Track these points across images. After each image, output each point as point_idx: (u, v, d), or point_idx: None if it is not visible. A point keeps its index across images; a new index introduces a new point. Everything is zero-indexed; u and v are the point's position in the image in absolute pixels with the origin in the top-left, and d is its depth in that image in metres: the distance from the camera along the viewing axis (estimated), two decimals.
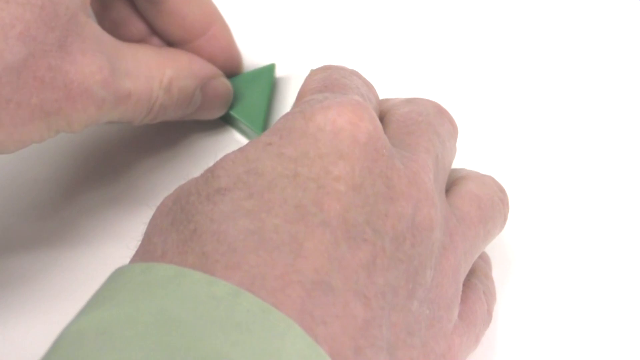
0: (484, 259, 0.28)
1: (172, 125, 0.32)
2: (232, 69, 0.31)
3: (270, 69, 0.33)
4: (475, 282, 0.26)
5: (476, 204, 0.25)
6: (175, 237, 0.19)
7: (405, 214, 0.21)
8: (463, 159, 0.32)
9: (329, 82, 0.24)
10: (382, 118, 0.26)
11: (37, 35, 0.22)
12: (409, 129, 0.24)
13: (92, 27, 0.25)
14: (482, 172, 0.31)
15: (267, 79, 0.33)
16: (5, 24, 0.22)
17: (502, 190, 0.26)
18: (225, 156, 0.21)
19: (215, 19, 0.29)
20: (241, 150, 0.21)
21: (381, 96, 0.27)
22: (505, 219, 0.27)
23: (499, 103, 0.34)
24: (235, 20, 0.33)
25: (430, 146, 0.24)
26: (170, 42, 0.30)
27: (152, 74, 0.27)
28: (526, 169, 0.32)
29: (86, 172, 0.31)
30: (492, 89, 0.35)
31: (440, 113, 0.26)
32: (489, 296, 0.26)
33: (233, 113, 0.32)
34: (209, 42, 0.29)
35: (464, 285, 0.25)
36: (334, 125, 0.21)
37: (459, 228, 0.23)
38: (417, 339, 0.21)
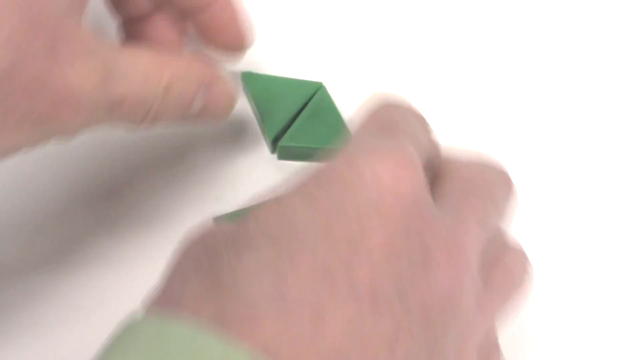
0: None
1: (176, 140, 0.32)
2: (241, 42, 0.30)
3: (317, 86, 0.33)
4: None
5: (509, 281, 0.24)
6: (196, 289, 0.19)
7: (439, 287, 0.20)
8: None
9: (386, 124, 0.23)
10: (440, 167, 0.25)
11: (23, 41, 0.21)
12: (467, 193, 0.23)
13: (85, 32, 0.24)
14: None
15: (307, 93, 0.33)
16: None
17: (532, 268, 0.26)
18: (260, 205, 0.20)
19: None
20: (277, 200, 0.20)
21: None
22: (524, 297, 0.26)
23: (500, 103, 0.35)
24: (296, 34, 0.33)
25: (484, 216, 0.23)
26: (182, 13, 0.29)
27: (150, 77, 0.26)
28: (527, 168, 0.33)
29: (86, 189, 0.31)
30: (494, 90, 0.35)
31: (507, 184, 0.25)
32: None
33: (255, 104, 0.31)
34: (214, 15, 0.28)
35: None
36: (377, 178, 0.20)
37: (488, 303, 0.23)
38: None
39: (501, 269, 0.24)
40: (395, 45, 0.36)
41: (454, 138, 0.33)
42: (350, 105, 0.34)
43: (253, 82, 0.33)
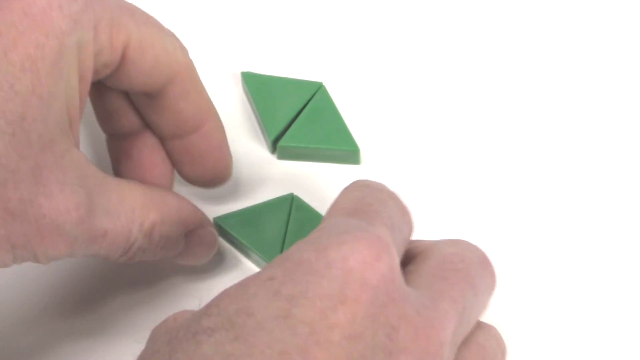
0: None
1: None
2: (222, 169, 0.30)
3: (317, 86, 0.33)
4: None
5: (481, 358, 0.23)
6: None
7: None
8: (464, 162, 0.33)
9: (360, 206, 0.23)
10: (419, 252, 0.24)
11: (8, 164, 0.21)
12: (444, 274, 0.22)
13: (74, 157, 0.23)
14: (483, 168, 0.31)
15: (307, 93, 0.33)
16: None
17: (504, 343, 0.25)
18: (224, 291, 0.20)
19: (209, 116, 0.28)
20: (241, 284, 0.20)
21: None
22: None
23: (500, 103, 0.34)
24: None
25: (459, 297, 0.22)
26: (162, 137, 0.29)
27: (134, 215, 0.25)
28: (527, 171, 0.33)
29: (64, 303, 0.30)
30: (494, 89, 0.35)
31: (484, 264, 0.24)
32: None
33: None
34: (201, 139, 0.28)
35: None
36: (345, 263, 0.19)
37: None
38: None
39: (473, 347, 0.23)
40: (396, 45, 0.36)
41: (454, 138, 0.33)
42: (350, 105, 0.34)
43: (253, 82, 0.34)
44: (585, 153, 0.33)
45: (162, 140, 0.29)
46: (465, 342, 0.23)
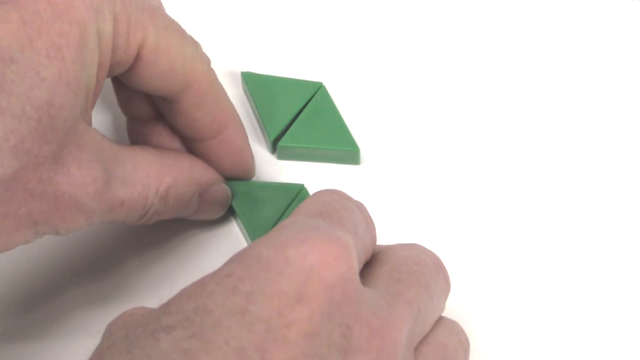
0: None
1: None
2: (242, 173, 0.31)
3: (317, 86, 0.33)
4: None
5: (441, 355, 0.24)
6: None
7: None
8: (464, 163, 0.33)
9: (325, 210, 0.23)
10: (374, 255, 0.25)
11: (31, 148, 0.22)
12: (400, 276, 0.23)
13: (92, 135, 0.24)
14: (483, 169, 0.31)
15: (307, 93, 0.33)
16: None
17: (466, 339, 0.26)
18: (183, 290, 0.20)
19: (229, 123, 0.29)
20: (199, 282, 0.20)
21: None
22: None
23: (500, 103, 0.34)
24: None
25: (414, 299, 0.22)
26: (181, 136, 0.29)
27: (150, 182, 0.26)
28: (525, 171, 0.33)
29: (74, 268, 0.30)
30: (494, 89, 0.35)
31: (438, 267, 0.25)
32: None
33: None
34: (220, 144, 0.29)
35: None
36: (304, 261, 0.20)
37: None
38: None
39: (433, 345, 0.24)
40: (396, 45, 0.36)
41: (453, 138, 0.33)
42: (350, 105, 0.34)
43: (253, 82, 0.34)
44: (585, 154, 0.33)
45: (182, 140, 0.29)
46: (425, 340, 0.24)
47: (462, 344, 0.25)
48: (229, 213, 0.31)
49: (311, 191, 0.32)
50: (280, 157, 0.33)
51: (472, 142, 0.33)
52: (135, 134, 0.30)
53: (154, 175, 0.26)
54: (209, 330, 0.19)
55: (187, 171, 0.28)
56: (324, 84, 0.34)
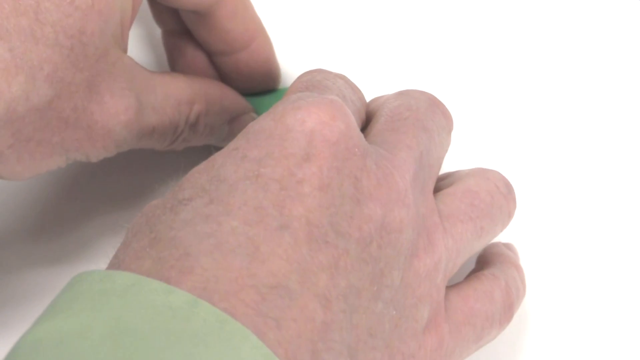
0: (509, 247, 0.27)
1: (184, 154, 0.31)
2: (269, 82, 0.31)
3: None
4: (495, 273, 0.25)
5: (468, 200, 0.24)
6: (135, 246, 0.19)
7: (373, 216, 0.21)
8: (462, 158, 0.32)
9: (310, 83, 0.24)
10: (372, 115, 0.25)
11: (64, 76, 0.22)
12: (394, 126, 0.24)
13: (124, 62, 0.24)
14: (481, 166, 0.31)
15: None
16: (33, 66, 0.21)
17: (506, 185, 0.25)
18: (193, 169, 0.21)
19: (258, 33, 0.29)
20: (208, 160, 0.21)
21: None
22: (509, 215, 0.26)
23: (501, 102, 0.34)
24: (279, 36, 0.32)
25: (413, 143, 0.23)
26: (211, 53, 0.29)
27: (180, 109, 0.26)
28: (527, 169, 0.32)
29: (100, 196, 0.31)
30: (494, 89, 0.34)
31: (432, 105, 0.25)
32: (513, 289, 0.25)
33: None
34: (249, 56, 0.29)
35: (475, 277, 0.24)
36: (303, 125, 0.20)
37: (440, 226, 0.23)
38: (379, 340, 0.21)
39: (458, 193, 0.24)
40: (395, 45, 0.36)
41: (452, 139, 0.33)
42: None
43: (259, 104, 0.33)
44: (585, 155, 0.33)
45: (211, 56, 0.29)
46: (449, 190, 0.24)
47: (498, 189, 0.25)
48: None
49: None
50: None
51: (471, 142, 0.33)
52: (171, 46, 0.30)
53: (184, 103, 0.26)
54: (225, 195, 0.19)
55: (218, 99, 0.28)
56: None
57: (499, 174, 0.26)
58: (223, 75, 0.30)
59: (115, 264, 0.19)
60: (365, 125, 0.25)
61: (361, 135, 0.22)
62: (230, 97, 0.29)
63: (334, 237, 0.20)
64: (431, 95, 0.25)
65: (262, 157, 0.20)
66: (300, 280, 0.19)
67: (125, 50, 0.25)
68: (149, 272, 0.18)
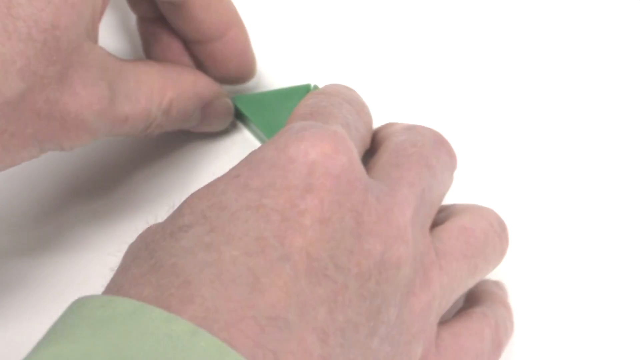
0: (499, 285, 0.28)
1: (179, 151, 0.32)
2: (245, 74, 0.32)
3: (306, 89, 0.33)
4: (485, 311, 0.25)
5: (464, 238, 0.24)
6: (135, 272, 0.19)
7: (372, 252, 0.21)
8: (463, 163, 0.32)
9: (315, 110, 0.24)
10: (378, 146, 0.25)
11: (37, 70, 0.22)
12: (398, 161, 0.24)
13: (96, 53, 0.25)
14: (481, 179, 0.31)
15: (299, 97, 0.32)
16: (5, 60, 0.21)
17: (500, 224, 0.26)
18: (193, 193, 0.21)
19: (233, 23, 0.30)
20: (209, 185, 0.21)
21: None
22: (502, 253, 0.26)
23: (498, 103, 0.34)
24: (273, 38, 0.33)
25: (416, 180, 0.23)
26: (186, 41, 0.30)
27: (153, 96, 0.27)
28: (526, 175, 0.32)
29: (77, 184, 0.31)
30: (491, 89, 0.35)
31: (438, 143, 0.25)
32: (502, 328, 0.25)
33: (256, 125, 0.32)
34: (224, 45, 0.30)
35: (466, 315, 0.25)
36: (306, 157, 0.21)
37: (436, 263, 0.23)
38: None
39: (453, 230, 0.24)
40: (394, 45, 0.36)
41: (450, 137, 0.33)
42: None
43: (247, 103, 0.33)
44: (585, 155, 0.33)
45: (186, 43, 0.30)
46: (445, 226, 0.24)
47: (492, 227, 0.25)
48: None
49: None
50: None
51: (470, 142, 0.33)
52: (146, 32, 0.31)
53: (157, 90, 0.27)
54: (226, 224, 0.20)
55: (190, 85, 0.28)
56: (311, 84, 0.33)
57: (493, 212, 0.26)
58: (198, 63, 0.31)
59: (114, 289, 0.20)
60: (370, 152, 0.26)
61: (363, 169, 0.22)
62: (202, 83, 0.29)
63: (334, 271, 0.20)
64: (437, 132, 0.26)
65: (264, 187, 0.20)
66: (299, 313, 0.19)
67: (96, 41, 0.25)
68: (149, 299, 0.18)
